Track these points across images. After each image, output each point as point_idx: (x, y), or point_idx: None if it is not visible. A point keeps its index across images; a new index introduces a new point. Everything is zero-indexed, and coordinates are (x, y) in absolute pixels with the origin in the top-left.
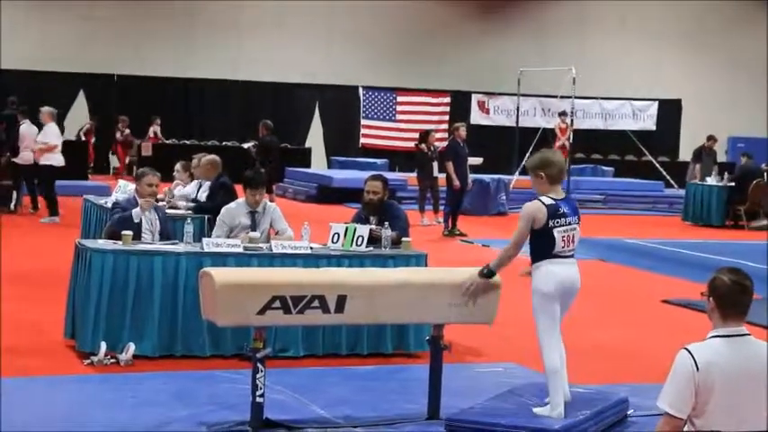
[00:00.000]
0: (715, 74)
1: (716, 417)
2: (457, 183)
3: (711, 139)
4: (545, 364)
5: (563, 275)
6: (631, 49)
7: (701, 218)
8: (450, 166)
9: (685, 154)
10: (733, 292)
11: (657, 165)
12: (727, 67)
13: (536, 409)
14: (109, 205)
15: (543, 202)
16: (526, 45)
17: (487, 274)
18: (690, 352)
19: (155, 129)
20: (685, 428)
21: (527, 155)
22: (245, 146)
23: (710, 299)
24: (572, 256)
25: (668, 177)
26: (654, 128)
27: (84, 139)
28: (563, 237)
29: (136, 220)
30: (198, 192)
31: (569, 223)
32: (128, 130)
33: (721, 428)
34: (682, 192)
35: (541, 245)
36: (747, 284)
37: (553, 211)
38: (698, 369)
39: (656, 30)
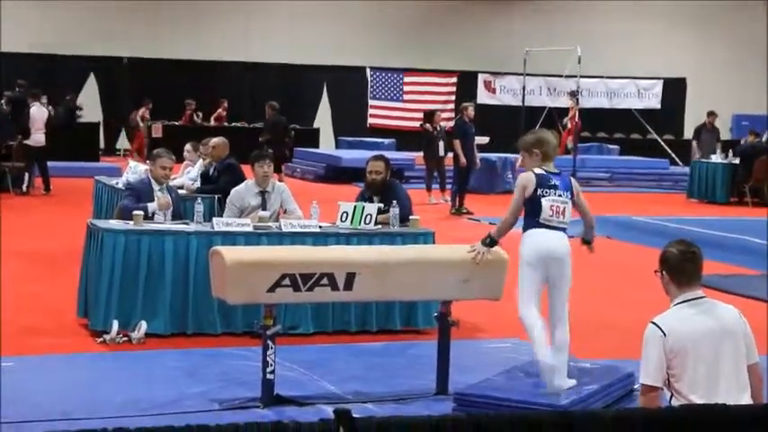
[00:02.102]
0: (720, 52)
1: (697, 376)
2: (464, 161)
3: (711, 115)
4: (523, 323)
5: (543, 243)
6: (636, 28)
7: (706, 195)
8: (457, 144)
9: (690, 132)
10: (683, 261)
11: (662, 143)
12: (732, 46)
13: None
14: (120, 186)
15: (534, 172)
16: (532, 25)
17: (490, 242)
18: (655, 323)
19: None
20: (673, 401)
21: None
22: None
23: (663, 273)
24: (562, 229)
25: (673, 155)
26: (659, 106)
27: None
28: (551, 206)
29: (149, 214)
30: (211, 173)
31: (559, 195)
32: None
33: (704, 387)
34: (687, 169)
35: (530, 212)
36: (695, 251)
37: (543, 181)
38: (665, 335)
39: (660, 8)
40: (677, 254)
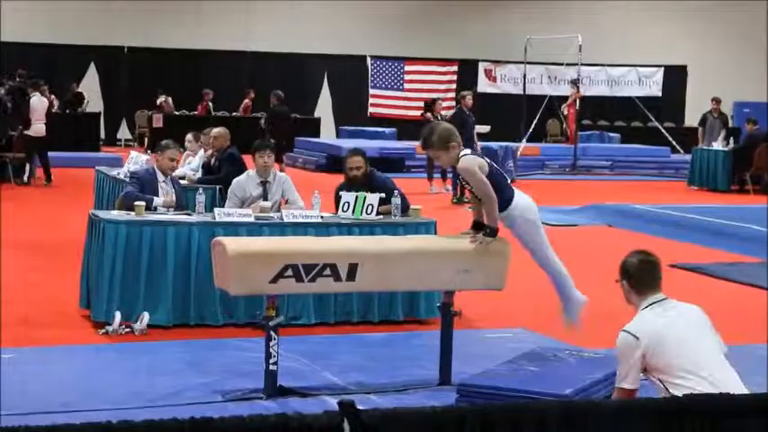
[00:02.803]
0: (720, 40)
1: (683, 359)
2: None
3: (715, 100)
4: (556, 270)
5: (530, 201)
6: (637, 15)
7: (707, 183)
8: None
9: (691, 119)
10: (643, 270)
11: (663, 131)
12: (733, 34)
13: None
14: (121, 176)
15: (469, 155)
16: (533, 13)
17: (491, 233)
18: (625, 330)
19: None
20: (664, 394)
21: (534, 122)
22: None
23: (624, 282)
24: None
25: (674, 143)
26: (660, 94)
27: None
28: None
29: (152, 206)
30: (212, 163)
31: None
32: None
33: (693, 364)
34: (688, 157)
35: (497, 188)
36: (653, 260)
37: (483, 156)
38: (638, 338)
39: None
40: (636, 263)
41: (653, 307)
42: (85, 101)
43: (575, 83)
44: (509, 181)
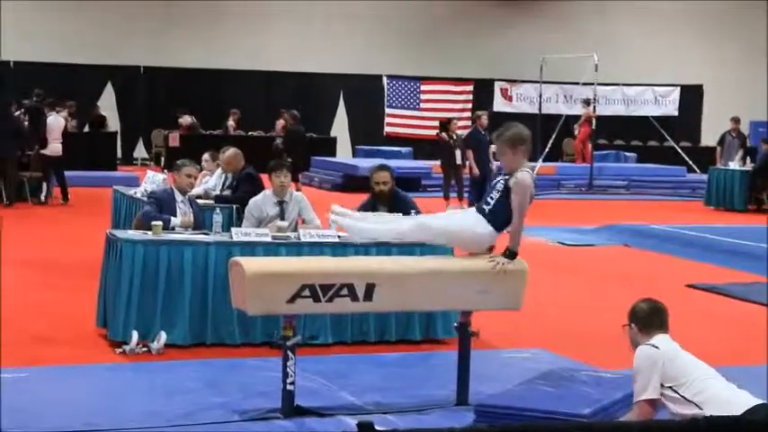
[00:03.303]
0: (736, 59)
1: (705, 373)
2: (476, 171)
3: (734, 120)
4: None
5: None
6: (653, 35)
7: (724, 202)
8: (470, 154)
9: (707, 139)
10: (653, 314)
11: (680, 150)
12: (749, 53)
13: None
14: (138, 195)
15: (530, 174)
16: (548, 32)
17: (510, 254)
18: (645, 344)
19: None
20: (678, 409)
21: (550, 142)
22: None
23: (633, 325)
24: None
25: (690, 162)
26: (676, 113)
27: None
28: None
29: (170, 226)
30: (224, 184)
31: None
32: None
33: (714, 377)
34: (704, 177)
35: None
36: (663, 307)
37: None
38: (658, 348)
39: (677, 16)
40: (646, 308)
41: (663, 339)
42: (107, 123)
43: (587, 102)
44: None
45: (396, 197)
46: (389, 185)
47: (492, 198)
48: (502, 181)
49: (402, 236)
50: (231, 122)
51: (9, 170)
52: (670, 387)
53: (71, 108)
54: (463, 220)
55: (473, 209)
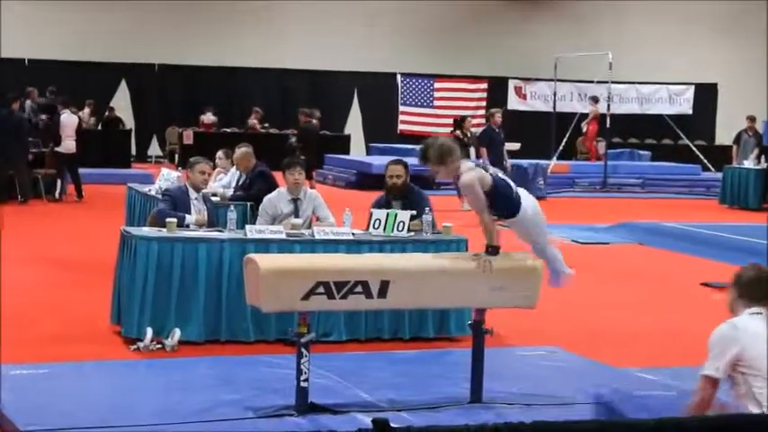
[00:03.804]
0: (751, 58)
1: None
2: None
3: (749, 119)
4: (551, 255)
5: (534, 201)
6: (667, 33)
7: (738, 201)
8: (484, 151)
9: (722, 138)
10: (756, 282)
11: (694, 148)
12: (764, 51)
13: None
14: (153, 193)
15: (469, 166)
16: (563, 30)
17: (493, 251)
18: (727, 322)
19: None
20: (747, 402)
21: (564, 140)
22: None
23: (734, 289)
24: None
25: (705, 161)
26: (690, 112)
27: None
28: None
29: (184, 224)
30: (237, 182)
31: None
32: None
33: None
34: (719, 175)
35: (507, 199)
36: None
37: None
38: (737, 328)
39: (692, 14)
40: (752, 276)
41: (754, 315)
42: (122, 125)
43: (595, 100)
44: (514, 189)
45: (410, 192)
46: (403, 179)
47: None
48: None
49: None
50: (254, 120)
51: (21, 169)
52: (742, 372)
53: (91, 106)
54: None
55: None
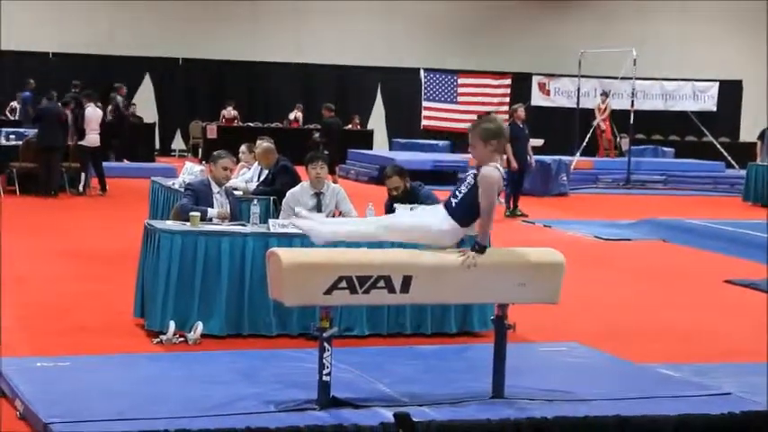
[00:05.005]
0: None
1: None
2: (515, 164)
3: None
4: None
5: None
6: (692, 29)
7: (762, 198)
8: (508, 147)
9: (746, 135)
10: None
11: (718, 145)
12: None
13: None
14: (176, 186)
15: (499, 170)
16: (587, 26)
17: (480, 249)
18: None
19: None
20: None
21: (587, 136)
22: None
23: None
24: None
25: (729, 158)
26: (714, 108)
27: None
28: None
29: (207, 218)
30: (260, 176)
31: None
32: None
33: None
34: (743, 172)
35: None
36: None
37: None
38: None
39: (716, 10)
40: None
41: None
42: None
43: (606, 94)
44: None
45: (414, 194)
46: (401, 188)
47: (460, 192)
48: (472, 175)
49: (372, 237)
50: (298, 115)
51: (54, 161)
52: None
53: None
54: (431, 217)
55: (440, 205)
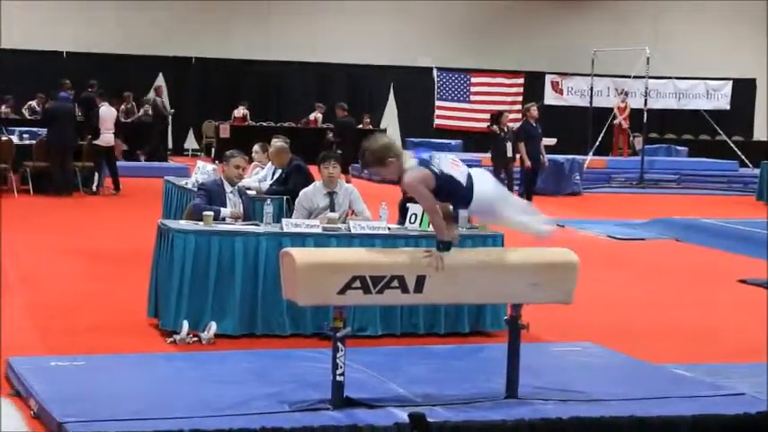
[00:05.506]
0: None
1: None
2: (528, 163)
3: None
4: (522, 224)
5: (489, 181)
6: (705, 28)
7: None
8: (522, 146)
9: (759, 133)
10: None
11: (732, 144)
12: None
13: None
14: (189, 186)
15: (412, 164)
16: (600, 25)
17: (445, 247)
18: None
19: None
20: None
21: (600, 135)
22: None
23: None
24: None
25: (743, 157)
26: (728, 107)
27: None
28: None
29: (220, 217)
30: (273, 176)
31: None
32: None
33: None
34: (756, 171)
35: (456, 193)
36: None
37: (425, 163)
38: None
39: (730, 9)
40: None
41: None
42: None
43: (626, 93)
44: (463, 177)
45: None
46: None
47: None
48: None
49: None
50: (319, 114)
51: (67, 160)
52: None
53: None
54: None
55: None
